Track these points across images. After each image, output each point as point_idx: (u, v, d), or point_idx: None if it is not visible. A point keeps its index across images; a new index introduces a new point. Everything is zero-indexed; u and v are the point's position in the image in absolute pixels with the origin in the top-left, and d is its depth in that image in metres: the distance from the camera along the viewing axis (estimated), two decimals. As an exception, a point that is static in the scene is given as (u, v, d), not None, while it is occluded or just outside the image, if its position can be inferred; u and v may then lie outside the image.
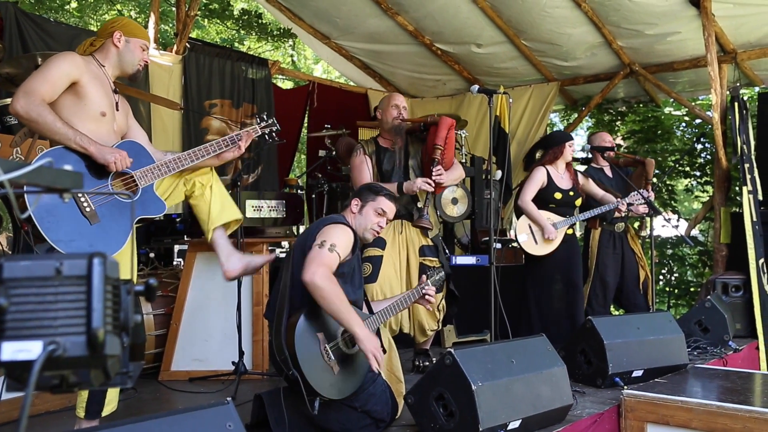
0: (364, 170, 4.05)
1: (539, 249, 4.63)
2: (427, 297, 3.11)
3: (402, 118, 4.13)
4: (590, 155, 5.28)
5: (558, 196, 4.70)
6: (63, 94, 2.66)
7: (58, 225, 2.50)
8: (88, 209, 2.59)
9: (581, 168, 5.23)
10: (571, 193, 4.75)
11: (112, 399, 2.85)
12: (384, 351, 3.09)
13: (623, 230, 5.17)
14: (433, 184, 3.92)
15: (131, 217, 2.72)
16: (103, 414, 2.78)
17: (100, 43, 2.86)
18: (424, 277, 3.21)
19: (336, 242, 2.78)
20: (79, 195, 2.56)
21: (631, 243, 5.21)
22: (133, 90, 3.30)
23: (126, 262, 2.73)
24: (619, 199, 4.76)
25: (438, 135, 3.95)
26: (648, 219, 5.19)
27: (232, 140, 2.99)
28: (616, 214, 5.00)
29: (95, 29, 8.84)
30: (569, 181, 4.78)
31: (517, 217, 4.64)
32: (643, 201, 4.71)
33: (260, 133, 3.17)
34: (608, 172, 5.24)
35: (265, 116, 3.23)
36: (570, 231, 4.79)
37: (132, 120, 3.01)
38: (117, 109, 2.85)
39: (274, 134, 3.22)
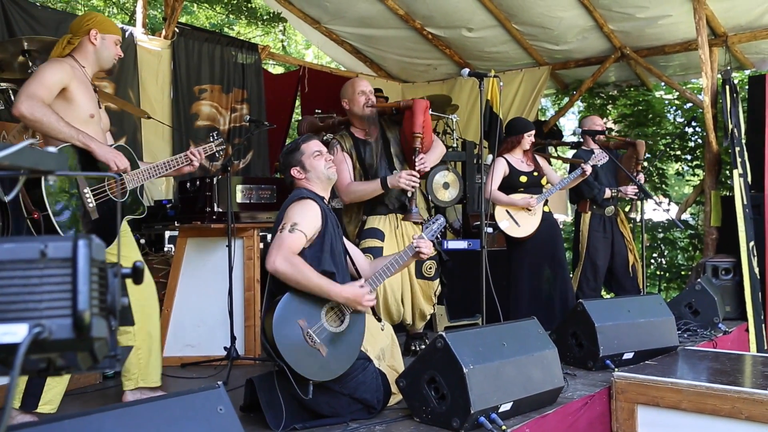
0: (344, 170, 3.79)
1: (522, 230, 4.64)
2: (420, 250, 3.03)
3: (371, 104, 3.89)
4: (581, 139, 5.28)
5: (523, 179, 4.72)
6: (54, 99, 2.77)
7: (66, 216, 2.69)
8: (90, 204, 2.76)
9: (570, 153, 5.21)
10: (535, 174, 4.77)
11: (52, 399, 2.81)
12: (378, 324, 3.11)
13: (613, 213, 5.18)
14: (418, 177, 3.75)
15: (119, 217, 2.90)
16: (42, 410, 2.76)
17: (77, 41, 2.95)
18: (418, 233, 3.15)
19: (297, 220, 2.74)
20: (84, 191, 2.75)
21: (620, 226, 5.23)
22: (105, 96, 3.47)
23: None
24: (582, 165, 4.76)
25: (415, 122, 3.75)
26: (638, 202, 5.21)
27: (186, 158, 3.18)
28: (606, 195, 5.01)
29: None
30: (529, 164, 4.81)
31: (493, 210, 4.61)
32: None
33: (215, 151, 3.40)
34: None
35: (215, 135, 3.47)
36: (546, 208, 4.81)
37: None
38: (99, 107, 2.98)
39: (221, 152, 3.47)
